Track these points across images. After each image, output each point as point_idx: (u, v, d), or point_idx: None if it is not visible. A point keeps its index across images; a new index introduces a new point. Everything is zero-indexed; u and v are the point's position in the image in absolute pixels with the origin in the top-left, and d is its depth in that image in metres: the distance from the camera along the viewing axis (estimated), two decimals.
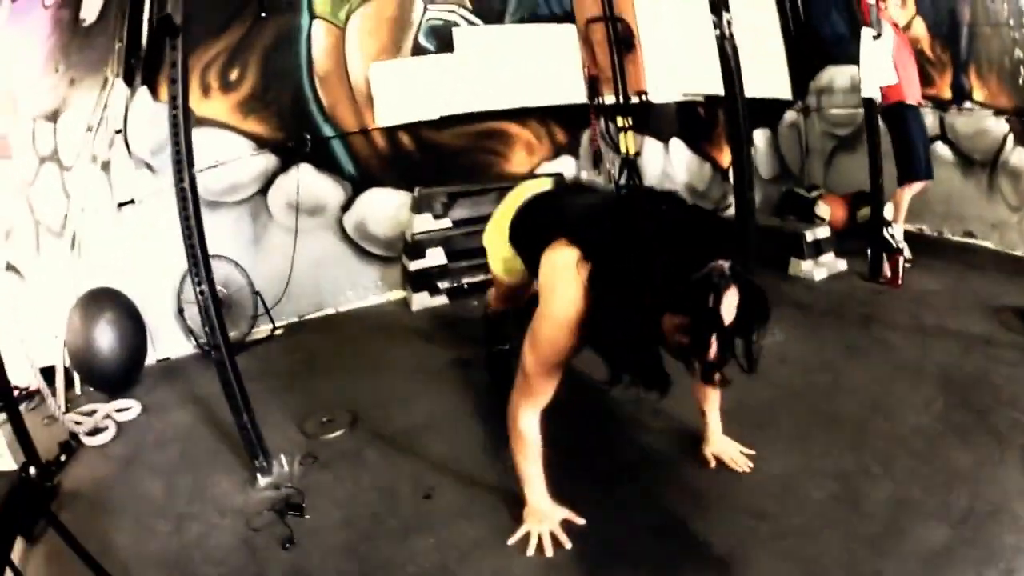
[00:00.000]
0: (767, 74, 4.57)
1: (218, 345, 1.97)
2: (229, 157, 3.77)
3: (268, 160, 3.77)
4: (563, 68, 4.00)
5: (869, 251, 3.39)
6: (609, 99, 4.07)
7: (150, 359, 3.52)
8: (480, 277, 3.70)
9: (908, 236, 3.68)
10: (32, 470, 1.94)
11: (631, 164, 3.96)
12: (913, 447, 1.82)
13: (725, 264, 1.28)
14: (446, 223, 3.66)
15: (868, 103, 3.35)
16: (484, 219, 3.72)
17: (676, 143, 4.31)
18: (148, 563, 1.70)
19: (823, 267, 3.49)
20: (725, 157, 4.45)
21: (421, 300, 3.68)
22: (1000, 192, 3.88)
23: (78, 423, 2.70)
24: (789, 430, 1.97)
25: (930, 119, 4.12)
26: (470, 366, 2.74)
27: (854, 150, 4.64)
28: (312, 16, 3.82)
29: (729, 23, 2.83)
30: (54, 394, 3.10)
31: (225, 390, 1.98)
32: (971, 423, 1.91)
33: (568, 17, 4.03)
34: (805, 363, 2.43)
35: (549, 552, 1.55)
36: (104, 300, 3.43)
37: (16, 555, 1.57)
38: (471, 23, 3.90)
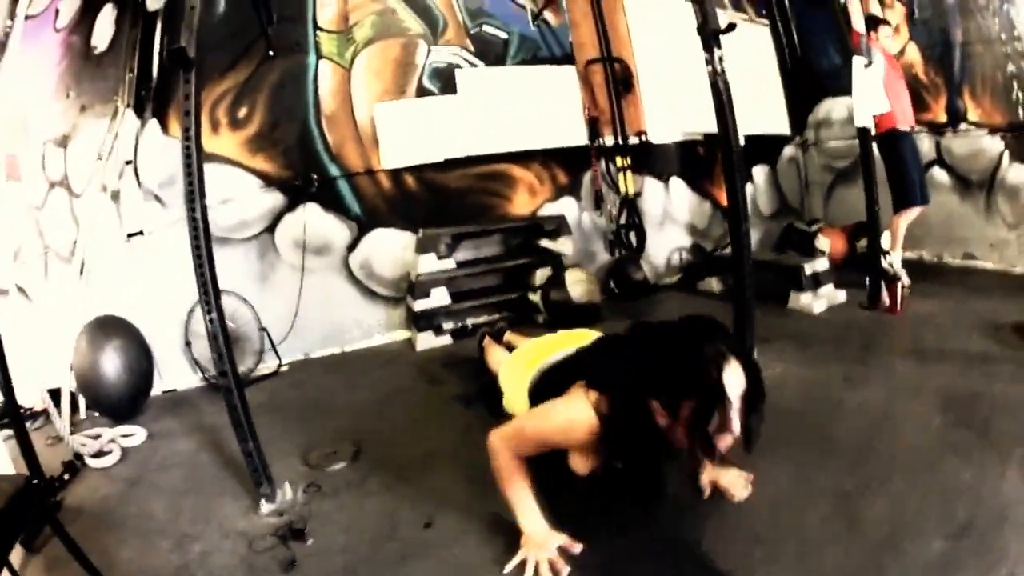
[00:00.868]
0: (766, 111, 4.76)
1: (225, 371, 2.05)
2: (237, 193, 3.96)
3: (275, 198, 3.95)
4: (564, 110, 4.19)
5: (867, 280, 3.46)
6: (610, 140, 4.24)
7: (156, 390, 3.63)
8: (483, 318, 3.82)
9: (908, 263, 3.78)
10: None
11: (631, 204, 4.09)
12: (912, 464, 1.86)
13: (721, 344, 1.44)
14: (450, 264, 3.78)
15: (862, 132, 3.46)
16: (487, 260, 3.95)
17: (676, 182, 4.45)
18: None
19: (822, 299, 3.57)
20: (724, 195, 4.57)
21: (426, 340, 3.76)
22: (998, 211, 3.99)
23: (83, 445, 2.77)
24: (788, 453, 2.00)
25: (926, 144, 4.30)
26: (472, 403, 2.80)
27: (853, 182, 4.77)
28: (319, 56, 4.06)
29: (720, 59, 2.93)
30: (60, 415, 3.17)
31: (231, 416, 2.05)
32: (971, 439, 1.94)
33: (568, 59, 4.26)
34: (804, 388, 2.48)
35: None
36: (112, 327, 3.56)
37: (16, 563, 1.62)
38: (473, 65, 4.12)
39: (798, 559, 1.54)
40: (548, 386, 1.92)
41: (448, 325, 3.86)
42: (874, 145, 3.56)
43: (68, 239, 4.28)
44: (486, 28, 4.17)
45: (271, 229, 3.93)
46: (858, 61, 3.39)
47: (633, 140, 4.25)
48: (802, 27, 5.00)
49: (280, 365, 3.83)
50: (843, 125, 4.84)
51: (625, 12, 4.28)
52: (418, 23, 4.12)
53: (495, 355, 2.71)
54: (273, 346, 3.83)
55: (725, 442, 1.47)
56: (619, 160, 4.09)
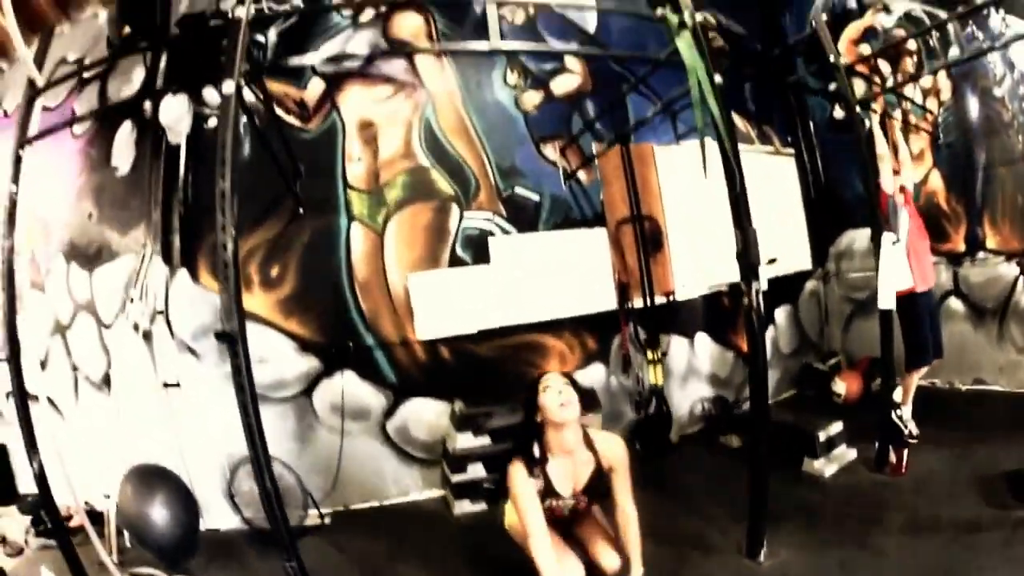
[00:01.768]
0: (789, 247, 4.88)
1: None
2: (272, 354, 4.11)
3: (311, 362, 4.10)
4: (595, 274, 4.26)
5: (876, 443, 3.55)
6: (638, 303, 4.33)
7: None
8: None
9: (920, 391, 3.84)
10: None
11: (659, 394, 4.23)
12: None
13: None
14: (485, 440, 3.93)
15: (884, 314, 3.48)
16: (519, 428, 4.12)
17: (701, 337, 4.60)
18: None
19: (834, 462, 3.70)
20: (746, 342, 4.77)
21: (462, 506, 3.91)
22: (1009, 337, 4.18)
23: None
24: None
25: (944, 275, 4.45)
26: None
27: (872, 313, 4.89)
28: (350, 218, 4.13)
29: (758, 292, 2.82)
30: (101, 537, 3.40)
31: None
32: None
33: (599, 219, 4.32)
34: None
35: None
36: (160, 481, 3.67)
37: None
38: (505, 231, 4.18)
39: None
40: None
41: (484, 485, 4.06)
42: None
43: (98, 366, 4.45)
44: (518, 190, 4.22)
45: (308, 392, 4.08)
46: (887, 238, 3.40)
47: (661, 301, 4.39)
48: (826, 154, 5.07)
49: (322, 517, 4.08)
50: (864, 256, 4.96)
51: (656, 166, 4.33)
52: (450, 185, 4.16)
53: None
54: (315, 504, 4.07)
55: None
56: (649, 354, 4.21)
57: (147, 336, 4.28)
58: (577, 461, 2.49)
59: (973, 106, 4.35)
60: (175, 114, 4.40)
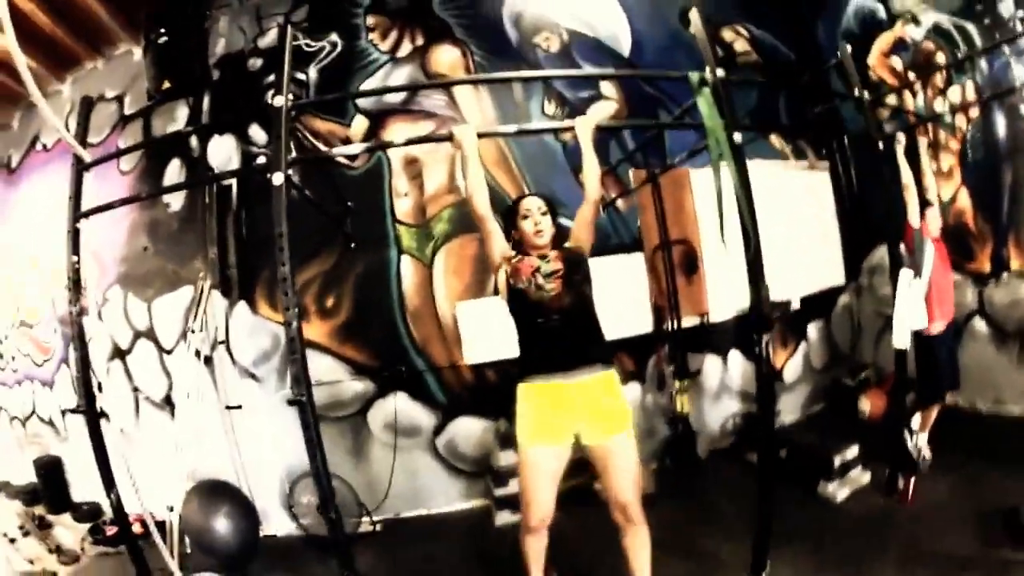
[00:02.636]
0: (823, 263, 5.06)
1: None
2: (329, 377, 4.47)
3: (366, 385, 4.43)
4: (631, 298, 4.43)
5: (887, 470, 3.65)
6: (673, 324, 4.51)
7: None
8: None
9: (942, 411, 3.85)
10: None
11: (684, 422, 4.44)
12: None
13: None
14: None
15: (899, 354, 3.49)
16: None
17: (734, 355, 4.78)
18: None
19: (847, 486, 3.80)
20: (778, 359, 4.96)
21: (503, 517, 4.20)
22: None
23: None
24: None
25: (969, 295, 4.55)
26: None
27: None
28: (400, 251, 4.40)
29: (767, 344, 2.82)
30: (166, 544, 3.72)
31: None
32: None
33: (637, 244, 4.48)
34: None
35: None
36: (223, 494, 4.07)
37: None
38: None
39: None
40: None
41: None
42: None
43: (160, 388, 4.85)
44: (558, 220, 4.43)
45: (363, 411, 4.41)
46: (905, 275, 3.40)
47: (695, 322, 4.61)
48: (860, 167, 5.19)
49: (374, 524, 4.46)
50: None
51: (692, 190, 4.53)
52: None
53: None
54: (368, 513, 4.46)
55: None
56: (677, 383, 4.41)
57: (208, 361, 4.65)
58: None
59: (1000, 124, 4.42)
60: (223, 155, 4.74)
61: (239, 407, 4.62)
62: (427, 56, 4.50)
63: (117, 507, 3.22)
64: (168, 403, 4.85)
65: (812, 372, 5.05)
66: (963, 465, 3.74)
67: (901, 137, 3.64)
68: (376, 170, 4.44)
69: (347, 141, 4.45)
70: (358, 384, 4.39)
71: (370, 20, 4.53)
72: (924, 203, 3.65)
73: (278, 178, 2.59)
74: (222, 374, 4.65)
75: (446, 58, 4.50)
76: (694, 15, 2.89)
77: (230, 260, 4.61)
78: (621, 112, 4.65)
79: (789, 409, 4.97)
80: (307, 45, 4.62)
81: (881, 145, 3.71)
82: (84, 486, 5.17)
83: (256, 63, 4.58)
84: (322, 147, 4.46)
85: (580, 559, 3.31)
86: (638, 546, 2.47)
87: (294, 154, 4.12)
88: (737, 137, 2.79)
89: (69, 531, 4.92)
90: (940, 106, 4.71)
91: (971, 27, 4.53)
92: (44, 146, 5.67)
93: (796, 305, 4.83)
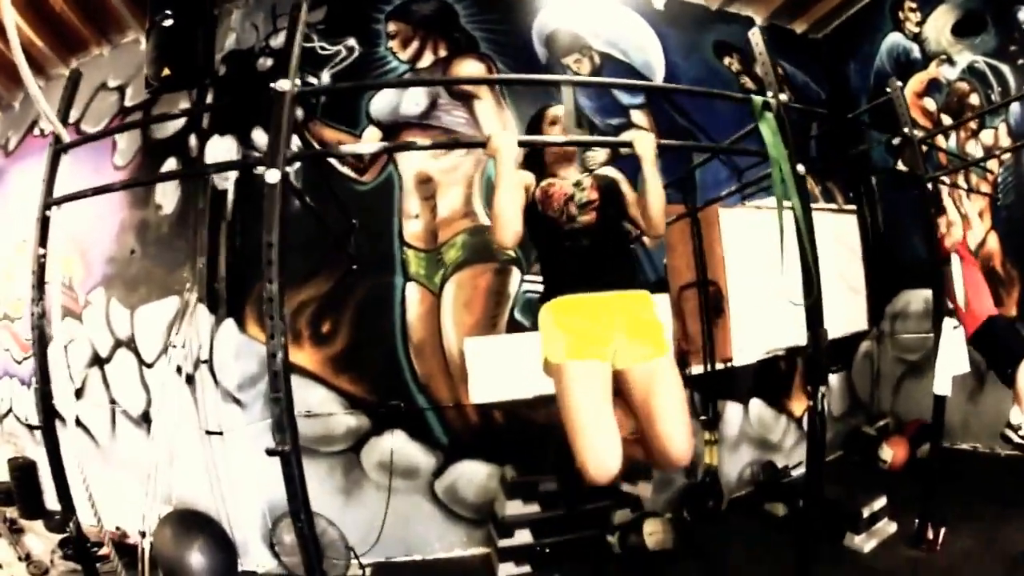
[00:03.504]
0: (847, 309, 4.66)
1: None
2: (320, 409, 3.94)
3: (361, 420, 3.92)
4: None
5: (916, 520, 3.38)
6: (696, 369, 4.13)
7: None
8: (555, 538, 3.92)
9: (959, 454, 3.80)
10: None
11: (712, 475, 4.04)
12: None
13: None
14: (535, 508, 3.79)
15: (939, 401, 3.24)
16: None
17: (755, 402, 4.38)
18: None
19: (874, 537, 3.56)
20: (798, 406, 4.58)
21: (506, 569, 3.77)
22: None
23: None
24: None
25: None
26: None
27: (923, 375, 4.69)
28: (406, 278, 3.91)
29: (823, 397, 2.53)
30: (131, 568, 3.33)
31: None
32: None
33: (663, 284, 4.08)
34: None
35: None
36: (197, 525, 3.65)
37: None
38: None
39: None
40: None
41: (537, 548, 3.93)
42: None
43: (138, 403, 4.30)
44: None
45: (356, 448, 3.92)
46: (948, 323, 3.19)
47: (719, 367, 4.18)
48: (887, 212, 4.82)
49: (363, 569, 3.94)
50: (919, 318, 4.76)
51: (721, 232, 4.08)
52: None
53: None
54: (357, 557, 3.94)
55: None
56: (707, 435, 4.01)
57: (190, 380, 4.11)
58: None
59: None
60: (222, 156, 4.19)
61: (219, 433, 4.04)
62: (449, 69, 4.00)
63: (76, 529, 2.70)
64: (146, 420, 4.33)
65: (831, 420, 4.63)
66: (987, 512, 3.52)
67: (946, 178, 3.30)
68: (386, 187, 3.96)
69: (358, 155, 3.93)
70: (352, 419, 3.89)
71: (391, 27, 4.04)
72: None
73: (272, 175, 2.05)
74: (203, 396, 4.10)
75: (470, 71, 4.00)
76: (755, 35, 2.47)
77: (220, 273, 4.06)
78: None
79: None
80: (322, 48, 4.11)
81: (929, 186, 3.38)
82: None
83: (266, 63, 4.06)
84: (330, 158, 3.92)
85: None
86: None
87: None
88: (800, 168, 2.41)
89: (40, 540, 4.39)
90: (972, 148, 4.38)
91: (1005, 68, 4.31)
92: (42, 131, 5.13)
93: None
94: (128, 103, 4.65)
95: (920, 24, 4.70)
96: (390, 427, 3.89)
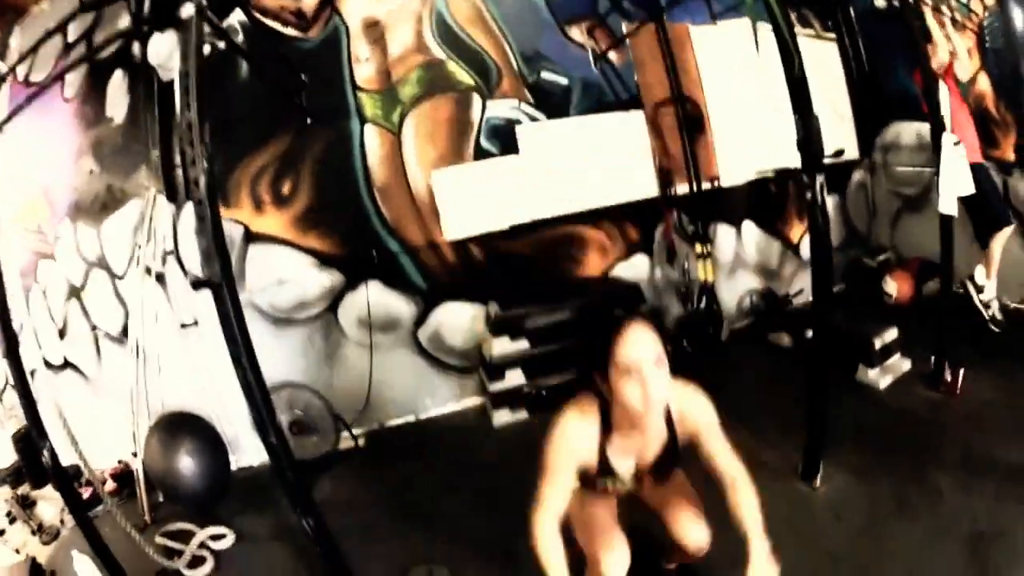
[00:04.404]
0: (836, 135, 4.25)
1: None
2: (292, 274, 3.55)
3: (334, 276, 3.54)
4: (633, 160, 3.69)
5: (932, 358, 3.01)
6: (682, 188, 3.75)
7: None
8: (557, 379, 3.46)
9: (971, 311, 3.36)
10: None
11: (709, 292, 3.65)
12: None
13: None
14: (524, 344, 3.39)
15: (946, 220, 2.84)
16: (561, 326, 3.53)
17: (748, 225, 4.00)
18: None
19: (888, 373, 3.17)
20: (794, 232, 4.17)
21: (502, 416, 3.41)
22: None
23: (174, 551, 2.58)
24: None
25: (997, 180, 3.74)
26: None
27: (921, 211, 4.29)
28: (363, 121, 3.57)
29: (822, 187, 2.19)
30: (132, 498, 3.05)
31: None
32: None
33: (636, 102, 3.72)
34: (855, 521, 2.20)
35: None
36: (184, 428, 3.26)
37: None
38: (534, 119, 3.60)
39: None
40: None
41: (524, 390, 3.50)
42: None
43: (117, 320, 3.92)
44: (544, 75, 3.63)
45: (333, 308, 3.56)
46: (948, 139, 2.84)
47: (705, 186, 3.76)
48: (870, 44, 4.44)
49: (356, 439, 3.51)
50: (912, 151, 4.33)
51: (693, 47, 3.72)
52: (469, 75, 3.59)
53: None
54: (348, 428, 3.51)
55: None
56: (698, 247, 3.63)
57: (160, 279, 3.73)
58: (648, 432, 1.59)
59: (1019, 16, 3.70)
60: (164, 51, 3.84)
61: (195, 323, 3.65)
62: None
63: (53, 464, 2.50)
64: (126, 335, 3.92)
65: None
66: (1002, 367, 3.07)
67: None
68: (332, 38, 3.66)
69: (300, 14, 3.59)
70: (325, 277, 3.49)
71: None
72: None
73: (188, 9, 1.94)
74: (174, 289, 3.69)
75: None
76: None
77: (175, 161, 3.68)
78: None
79: (808, 288, 4.10)
80: None
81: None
82: (62, 450, 4.25)
83: None
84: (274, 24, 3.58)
85: None
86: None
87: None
88: None
89: (50, 503, 4.02)
90: None
91: None
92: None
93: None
94: (71, 39, 4.32)
95: None
96: (364, 279, 3.50)
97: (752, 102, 3.87)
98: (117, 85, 4.01)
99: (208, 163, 1.86)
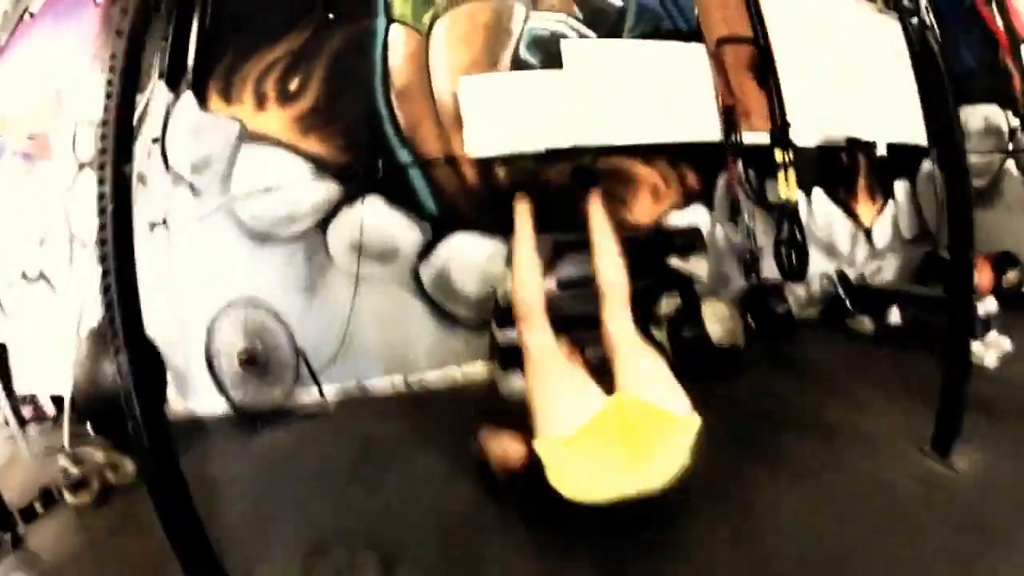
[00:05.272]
0: (903, 117, 3.68)
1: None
2: (283, 181, 2.87)
3: (330, 188, 2.87)
4: (694, 97, 3.10)
5: None
6: (748, 136, 3.13)
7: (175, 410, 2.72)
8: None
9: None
10: None
11: (792, 214, 2.95)
12: None
13: None
14: (549, 284, 2.62)
15: None
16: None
17: (818, 194, 3.37)
18: None
19: (992, 349, 2.59)
20: (867, 214, 3.53)
21: (512, 383, 2.54)
22: None
23: (65, 471, 2.09)
24: None
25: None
26: None
27: (991, 205, 3.78)
28: (390, 20, 2.98)
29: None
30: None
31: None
32: None
33: (696, 35, 3.16)
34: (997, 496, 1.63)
35: None
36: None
37: None
38: (583, 36, 3.03)
39: None
40: None
41: None
42: None
43: (94, 224, 3.21)
44: None
45: (323, 226, 2.87)
46: None
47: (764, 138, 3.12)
48: (933, 24, 3.95)
49: (321, 394, 2.73)
50: (980, 137, 3.83)
51: None
52: None
53: None
54: (311, 371, 2.74)
55: None
56: (779, 154, 2.94)
57: (141, 179, 3.08)
58: None
59: None
60: None
61: (163, 223, 2.96)
62: None
63: None
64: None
65: (902, 243, 3.55)
66: None
67: None
68: None
69: None
70: (319, 187, 2.78)
71: None
72: None
73: None
74: (151, 182, 3.02)
75: None
76: None
77: (183, 46, 3.09)
78: None
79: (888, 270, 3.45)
80: None
81: None
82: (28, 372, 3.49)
83: None
84: None
85: None
86: None
87: None
88: None
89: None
90: None
91: None
92: (31, 15, 4.34)
93: (882, 151, 3.38)
94: None
95: None
96: (364, 194, 2.81)
97: (821, 59, 3.32)
98: None
99: None
